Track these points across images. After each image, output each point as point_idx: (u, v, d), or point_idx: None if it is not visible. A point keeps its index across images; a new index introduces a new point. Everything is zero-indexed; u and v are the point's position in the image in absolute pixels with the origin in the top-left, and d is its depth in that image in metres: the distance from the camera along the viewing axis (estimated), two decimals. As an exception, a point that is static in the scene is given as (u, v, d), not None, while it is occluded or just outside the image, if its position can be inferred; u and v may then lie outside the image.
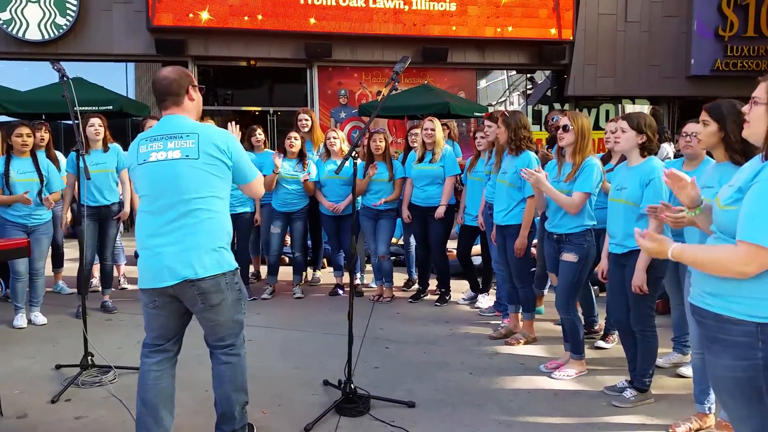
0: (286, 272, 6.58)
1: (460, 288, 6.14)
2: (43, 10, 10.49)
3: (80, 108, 4.00)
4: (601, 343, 4.66)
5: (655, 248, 2.15)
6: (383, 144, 5.93)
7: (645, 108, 11.62)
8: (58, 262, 6.41)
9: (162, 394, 2.82)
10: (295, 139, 6.06)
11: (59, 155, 5.91)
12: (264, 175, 5.87)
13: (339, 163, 3.76)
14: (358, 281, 6.47)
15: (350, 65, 11.94)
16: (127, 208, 5.60)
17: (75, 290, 5.96)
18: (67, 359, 4.15)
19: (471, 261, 5.93)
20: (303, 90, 12.05)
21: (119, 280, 6.50)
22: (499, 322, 5.20)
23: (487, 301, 5.82)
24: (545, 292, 5.57)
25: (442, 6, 11.48)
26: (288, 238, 6.50)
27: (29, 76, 10.28)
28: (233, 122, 3.31)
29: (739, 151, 2.82)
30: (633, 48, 12.44)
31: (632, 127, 3.50)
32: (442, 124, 6.27)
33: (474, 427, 3.33)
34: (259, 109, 12.06)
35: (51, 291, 6.14)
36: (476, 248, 6.00)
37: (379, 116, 9.94)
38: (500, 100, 13.29)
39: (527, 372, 4.15)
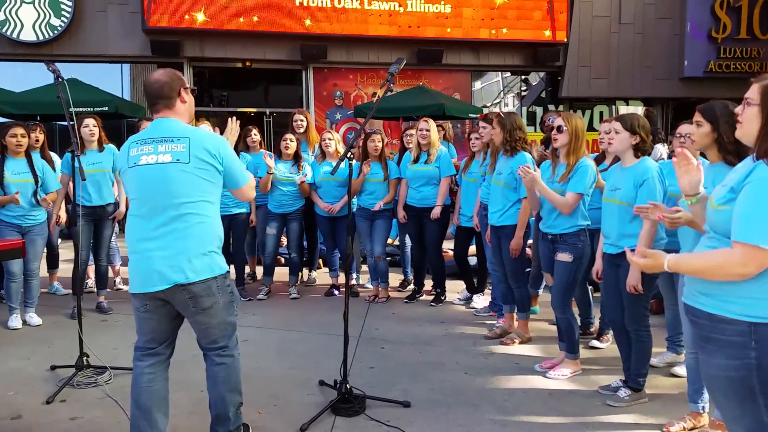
0: (281, 273, 6.59)
1: (455, 288, 6.15)
2: (37, 11, 10.45)
3: (75, 109, 3.98)
4: (595, 343, 4.68)
5: (650, 263, 2.16)
6: (381, 144, 5.95)
7: (639, 109, 11.65)
8: (53, 263, 6.40)
9: (155, 397, 2.81)
10: (291, 140, 6.07)
11: (54, 156, 5.89)
12: (259, 177, 5.94)
13: (334, 164, 3.76)
14: (353, 282, 6.48)
15: (345, 67, 11.94)
16: (122, 208, 5.59)
17: (70, 291, 5.96)
18: (63, 360, 4.14)
19: (467, 262, 5.95)
20: (298, 91, 12.04)
21: (114, 281, 6.49)
22: (494, 322, 5.22)
23: (482, 301, 5.84)
24: (540, 292, 5.59)
25: (436, 8, 11.49)
26: (284, 239, 6.51)
27: (24, 77, 10.24)
28: (234, 117, 3.29)
29: (732, 151, 2.85)
30: (627, 50, 12.48)
31: (626, 128, 3.52)
32: (438, 126, 6.29)
33: (469, 426, 3.34)
34: (254, 110, 12.04)
35: (46, 292, 6.14)
36: (471, 249, 6.01)
37: (375, 117, 9.94)
38: (495, 102, 13.32)
39: (522, 372, 4.16)
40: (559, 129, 3.92)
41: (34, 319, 5.21)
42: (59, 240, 6.57)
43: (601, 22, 12.42)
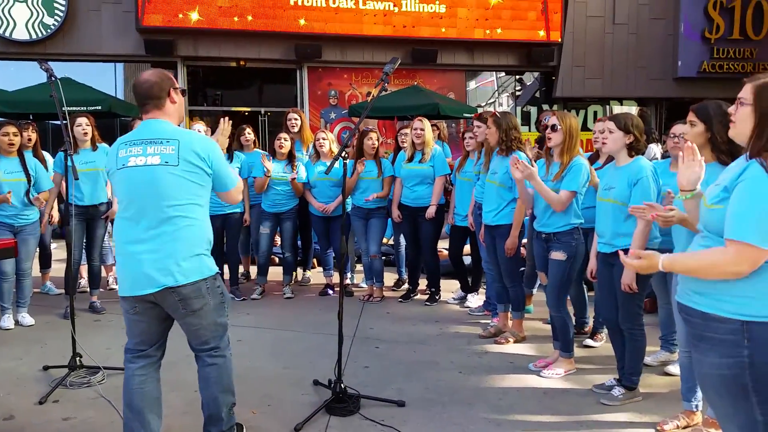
0: (276, 272, 6.57)
1: (449, 288, 6.16)
2: (30, 9, 10.40)
3: (68, 108, 3.95)
4: (589, 342, 4.69)
5: (644, 265, 2.16)
6: (377, 142, 5.95)
7: (633, 109, 11.68)
8: (45, 262, 6.37)
9: (147, 399, 2.80)
10: (285, 140, 6.07)
11: (46, 155, 5.86)
12: (255, 177, 5.93)
13: (328, 164, 3.76)
14: (348, 281, 6.48)
15: (340, 66, 11.94)
16: (115, 208, 5.55)
17: (63, 291, 5.92)
18: (55, 360, 4.12)
19: (463, 261, 5.96)
20: (293, 91, 12.02)
21: (107, 281, 6.46)
22: (489, 321, 5.23)
23: (476, 300, 5.84)
24: (534, 291, 5.60)
25: (431, 8, 11.50)
26: (278, 239, 6.49)
27: (16, 76, 10.20)
28: (226, 117, 3.28)
29: (725, 151, 2.86)
30: (621, 50, 12.53)
31: (619, 127, 3.53)
32: (432, 125, 6.29)
33: (464, 425, 3.34)
34: (248, 109, 12.02)
35: (38, 292, 6.10)
36: (466, 248, 6.02)
37: (369, 117, 9.93)
38: (489, 102, 13.34)
39: (516, 371, 4.17)
40: (554, 128, 3.93)
41: (27, 319, 5.19)
42: (52, 239, 6.54)
43: (595, 23, 12.46)
